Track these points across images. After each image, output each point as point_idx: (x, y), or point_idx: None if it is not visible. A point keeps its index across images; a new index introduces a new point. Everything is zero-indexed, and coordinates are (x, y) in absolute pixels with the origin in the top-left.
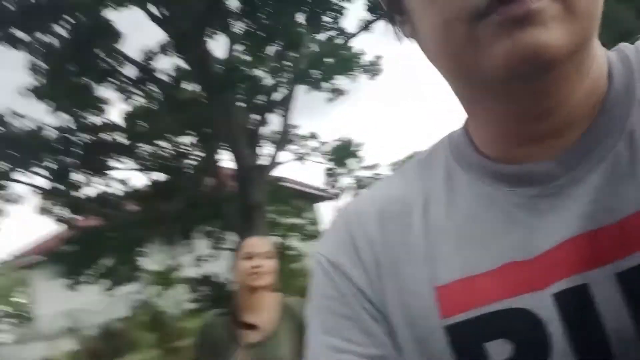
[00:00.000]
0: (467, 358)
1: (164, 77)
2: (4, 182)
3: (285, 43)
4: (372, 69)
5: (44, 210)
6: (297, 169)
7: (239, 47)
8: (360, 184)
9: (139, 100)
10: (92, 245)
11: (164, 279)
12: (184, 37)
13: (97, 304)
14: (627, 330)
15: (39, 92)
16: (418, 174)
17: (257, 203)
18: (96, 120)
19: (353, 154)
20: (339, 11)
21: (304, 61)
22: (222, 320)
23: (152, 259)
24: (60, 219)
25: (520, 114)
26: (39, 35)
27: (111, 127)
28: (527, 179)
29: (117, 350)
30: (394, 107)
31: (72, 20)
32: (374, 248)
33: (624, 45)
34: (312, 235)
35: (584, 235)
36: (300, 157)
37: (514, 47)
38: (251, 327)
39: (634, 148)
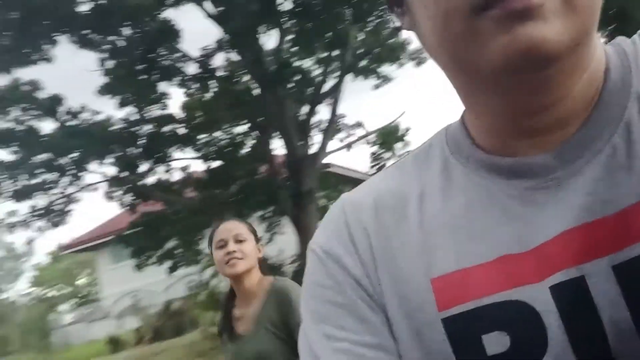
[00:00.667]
0: (464, 350)
1: (220, 72)
2: (78, 171)
3: (333, 37)
4: (418, 57)
5: (111, 197)
6: (345, 155)
7: (289, 42)
8: None
9: (197, 94)
10: (156, 229)
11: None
12: (239, 34)
13: (159, 284)
14: (624, 321)
15: (108, 89)
16: (415, 166)
17: (308, 189)
18: (159, 113)
19: (400, 138)
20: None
21: (352, 53)
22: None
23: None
24: (126, 205)
25: (518, 107)
26: (108, 37)
27: (172, 119)
28: (523, 171)
29: (178, 328)
30: (439, 94)
31: (136, 23)
32: (370, 239)
33: (621, 39)
34: None
35: (581, 228)
36: (348, 146)
37: (513, 42)
38: (237, 318)
39: (631, 140)
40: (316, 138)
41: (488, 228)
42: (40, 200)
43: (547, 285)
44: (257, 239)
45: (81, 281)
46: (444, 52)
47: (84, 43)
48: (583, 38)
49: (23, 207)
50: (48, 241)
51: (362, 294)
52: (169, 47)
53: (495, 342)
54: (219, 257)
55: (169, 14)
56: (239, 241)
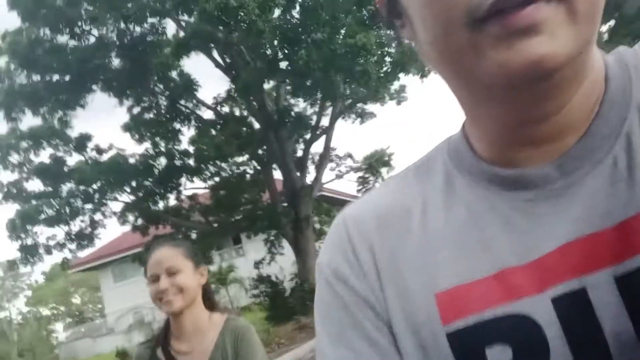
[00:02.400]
0: None
1: (228, 113)
2: (102, 199)
3: (326, 91)
4: (399, 97)
5: (125, 220)
6: (336, 179)
7: (289, 92)
8: None
9: (207, 131)
10: None
11: (221, 278)
12: (246, 86)
13: None
14: (626, 333)
15: (130, 128)
16: (417, 178)
17: (306, 216)
18: (171, 147)
19: (386, 163)
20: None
21: (341, 102)
22: (148, 350)
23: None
24: (138, 227)
25: (519, 117)
26: (138, 88)
27: (183, 152)
28: (524, 182)
29: None
30: (419, 126)
31: (161, 78)
32: (374, 255)
33: (622, 49)
34: None
35: (581, 239)
36: (340, 176)
37: (516, 57)
38: (181, 353)
39: (631, 151)
40: (312, 169)
41: (489, 240)
42: (72, 226)
43: (549, 297)
44: (197, 263)
45: (76, 300)
46: (444, 64)
47: (114, 92)
48: (584, 47)
49: (57, 231)
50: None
51: (370, 314)
52: (188, 97)
53: (498, 354)
54: (152, 293)
55: (186, 62)
56: (172, 274)
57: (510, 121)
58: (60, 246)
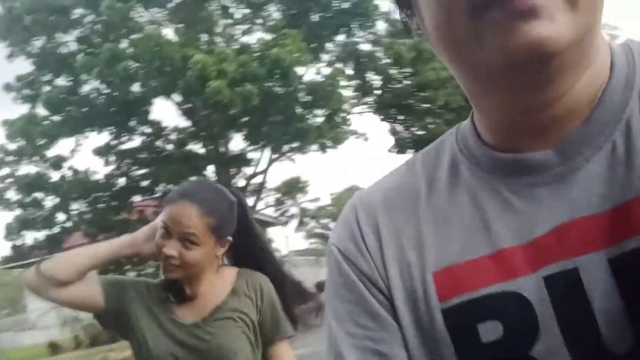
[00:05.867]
0: (461, 338)
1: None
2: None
3: (267, 140)
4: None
5: (78, 227)
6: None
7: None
8: (305, 213)
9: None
10: None
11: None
12: (203, 131)
13: None
14: (616, 310)
15: (101, 153)
16: (424, 163)
17: None
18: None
19: (300, 189)
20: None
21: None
22: (148, 285)
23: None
24: (89, 234)
25: (521, 104)
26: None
27: (142, 175)
28: (525, 167)
29: (114, 335)
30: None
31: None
32: (379, 234)
33: (630, 40)
34: None
35: (577, 221)
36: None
37: (518, 41)
38: (187, 298)
39: (631, 137)
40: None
41: (488, 222)
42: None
43: (541, 275)
44: (222, 236)
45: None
46: (447, 51)
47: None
48: (585, 34)
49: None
50: None
51: (375, 290)
52: (158, 137)
53: (489, 330)
54: (157, 245)
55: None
56: (184, 240)
57: (513, 109)
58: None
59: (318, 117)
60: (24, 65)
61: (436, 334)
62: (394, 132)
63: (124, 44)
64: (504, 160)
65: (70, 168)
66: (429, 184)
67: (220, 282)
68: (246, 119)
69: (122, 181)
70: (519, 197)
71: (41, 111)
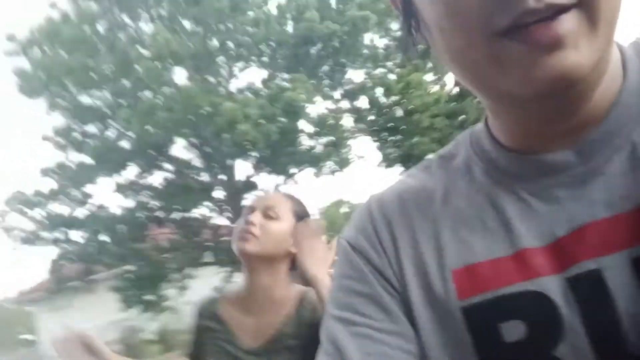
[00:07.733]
0: (482, 337)
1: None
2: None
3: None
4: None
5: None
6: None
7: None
8: None
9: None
10: None
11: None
12: (212, 161)
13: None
14: None
15: (122, 190)
16: (440, 165)
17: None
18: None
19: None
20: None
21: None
22: (213, 305)
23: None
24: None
25: (541, 119)
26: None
27: (157, 206)
28: (544, 168)
29: None
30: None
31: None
32: (394, 231)
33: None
34: None
35: (599, 222)
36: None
37: (543, 74)
38: (248, 323)
39: None
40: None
41: (508, 222)
42: None
43: (565, 277)
44: (297, 213)
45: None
46: (466, 74)
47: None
48: (606, 50)
49: None
50: None
51: (385, 284)
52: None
53: (512, 330)
54: (238, 227)
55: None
56: (268, 216)
57: (532, 122)
58: None
59: (323, 144)
60: (59, 118)
61: (456, 333)
62: (382, 149)
63: (158, 95)
64: (522, 161)
65: (97, 205)
66: (445, 186)
67: (283, 304)
68: (266, 152)
69: (140, 214)
70: (538, 199)
71: (74, 156)
